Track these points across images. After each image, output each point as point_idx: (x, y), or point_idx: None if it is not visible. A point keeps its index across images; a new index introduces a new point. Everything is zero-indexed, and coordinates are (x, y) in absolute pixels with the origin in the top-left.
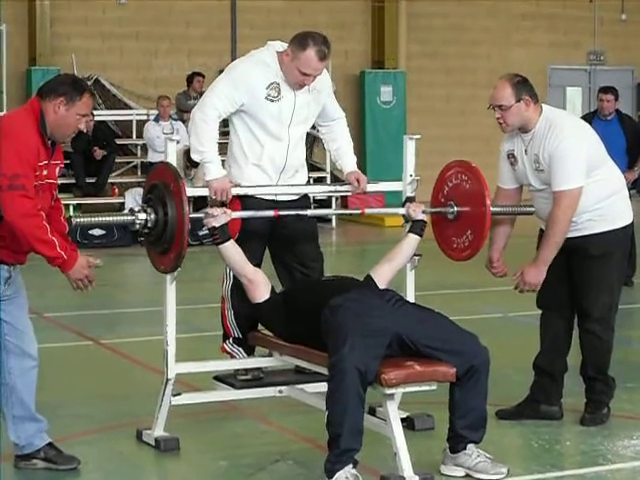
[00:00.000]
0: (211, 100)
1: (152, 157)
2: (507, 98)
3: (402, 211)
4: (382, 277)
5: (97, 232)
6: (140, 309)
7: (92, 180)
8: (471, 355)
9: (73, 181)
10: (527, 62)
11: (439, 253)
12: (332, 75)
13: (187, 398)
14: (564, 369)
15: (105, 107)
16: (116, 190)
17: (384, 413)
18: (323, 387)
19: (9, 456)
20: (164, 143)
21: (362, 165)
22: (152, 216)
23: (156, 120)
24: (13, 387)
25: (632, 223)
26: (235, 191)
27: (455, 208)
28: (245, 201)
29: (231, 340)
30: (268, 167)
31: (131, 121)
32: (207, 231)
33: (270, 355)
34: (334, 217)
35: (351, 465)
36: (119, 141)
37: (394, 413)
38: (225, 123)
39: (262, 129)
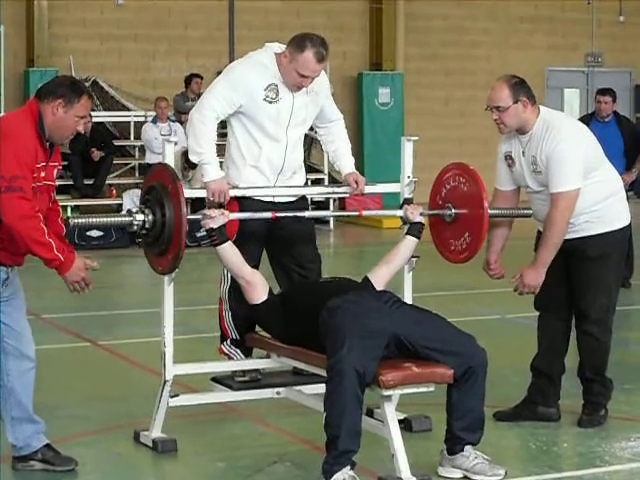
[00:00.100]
0: (209, 102)
1: (150, 158)
2: (505, 99)
3: (400, 213)
4: (380, 279)
5: (95, 233)
6: (138, 310)
7: (90, 181)
8: (469, 356)
9: (71, 182)
10: (526, 64)
11: (437, 255)
12: (330, 77)
13: (185, 399)
14: (562, 371)
15: (103, 108)
16: (114, 191)
17: (382, 414)
18: (321, 389)
19: (7, 457)
20: (162, 144)
21: (360, 167)
22: (150, 217)
23: (154, 122)
24: (11, 389)
25: (630, 225)
26: (233, 192)
27: (453, 210)
28: (243, 203)
29: (229, 342)
30: (266, 169)
31: (129, 122)
32: (205, 232)
33: (268, 357)
34: (332, 219)
35: (349, 467)
36: (117, 142)
37: (392, 414)
38: (223, 125)
39: (260, 131)
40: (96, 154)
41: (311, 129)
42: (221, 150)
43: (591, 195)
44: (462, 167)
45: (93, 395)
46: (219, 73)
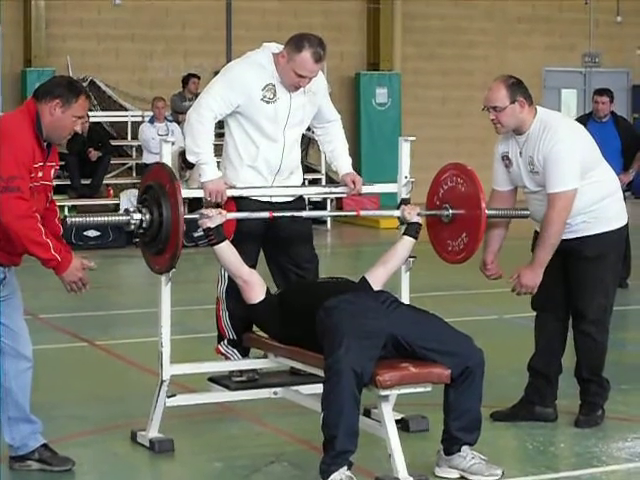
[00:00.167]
0: (207, 101)
1: (147, 158)
2: (502, 99)
3: (397, 213)
4: (377, 279)
5: (92, 233)
6: (135, 310)
7: (87, 181)
8: (466, 357)
9: (68, 182)
10: (523, 64)
11: (434, 255)
12: (327, 77)
13: (182, 399)
14: (559, 371)
15: (100, 108)
16: (111, 191)
17: (379, 415)
18: (318, 389)
19: (4, 457)
20: (159, 144)
21: (357, 167)
22: (147, 216)
23: (151, 121)
24: (8, 388)
25: (627, 225)
26: (230, 192)
27: (450, 211)
28: (240, 203)
29: (226, 341)
30: (263, 169)
31: (126, 122)
32: (202, 232)
33: (265, 356)
34: (329, 219)
35: (346, 467)
36: (114, 142)
37: (389, 415)
38: (220, 125)
39: (258, 131)
40: (93, 154)
41: (308, 129)
42: (218, 150)
43: (588, 195)
44: (460, 167)
45: (90, 395)
46: (216, 73)
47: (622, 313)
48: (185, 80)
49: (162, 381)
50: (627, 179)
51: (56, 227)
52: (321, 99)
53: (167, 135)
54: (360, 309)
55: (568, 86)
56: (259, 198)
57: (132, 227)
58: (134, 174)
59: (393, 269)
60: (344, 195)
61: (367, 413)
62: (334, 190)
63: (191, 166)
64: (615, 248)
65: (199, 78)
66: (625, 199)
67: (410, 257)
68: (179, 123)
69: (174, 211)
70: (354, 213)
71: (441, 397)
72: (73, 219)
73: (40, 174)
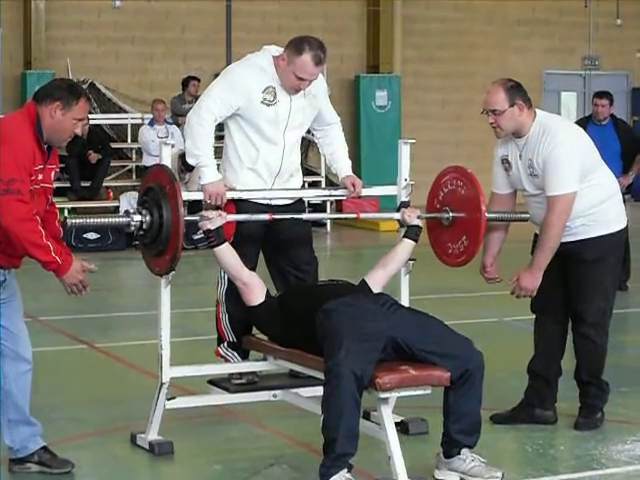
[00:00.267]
0: (207, 104)
1: (147, 161)
2: (500, 103)
3: (397, 216)
4: (376, 282)
5: (92, 236)
6: (134, 313)
7: (87, 184)
8: (466, 359)
9: (68, 185)
10: (523, 67)
11: (434, 257)
12: (327, 79)
13: (181, 402)
14: (558, 373)
15: (100, 111)
16: (111, 194)
17: (378, 417)
18: (318, 391)
19: (4, 460)
20: (159, 147)
21: (357, 169)
22: (147, 218)
23: (151, 124)
24: (8, 391)
25: (626, 228)
26: (230, 195)
27: (450, 214)
28: (240, 205)
29: (225, 344)
30: (263, 171)
31: (126, 125)
32: (202, 234)
33: (264, 359)
34: (329, 221)
35: (346, 469)
36: (114, 145)
37: (388, 417)
38: (220, 127)
39: (258, 133)
40: (93, 156)
41: (308, 132)
42: (218, 152)
43: (587, 198)
44: (460, 170)
45: (90, 397)
46: (216, 76)
47: (622, 316)
48: (185, 82)
49: (162, 383)
50: (627, 182)
51: (56, 229)
52: (321, 102)
53: (167, 138)
54: (360, 312)
55: (568, 89)
56: (259, 201)
57: (132, 229)
58: (134, 177)
59: (393, 272)
60: (344, 198)
61: (367, 416)
62: (334, 193)
63: (191, 168)
64: (614, 251)
65: (199, 80)
66: (625, 202)
67: (410, 260)
68: (179, 125)
69: (174, 212)
70: (354, 216)
71: (441, 400)
72: (73, 220)
73: (40, 177)
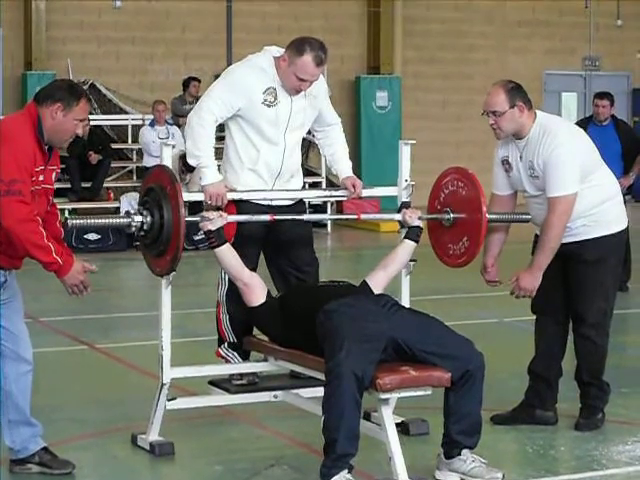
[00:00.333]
0: (208, 104)
1: (147, 162)
2: (501, 104)
3: (398, 217)
4: (377, 283)
5: (92, 237)
6: (135, 314)
7: (87, 185)
8: (466, 360)
9: (68, 186)
10: (523, 68)
11: (434, 258)
12: (328, 80)
13: (182, 403)
14: (559, 374)
15: (101, 112)
16: (111, 195)
17: (379, 418)
18: (318, 392)
19: (4, 460)
20: (159, 148)
21: (357, 170)
22: (148, 218)
23: (152, 125)
24: (8, 391)
25: (627, 228)
26: (230, 196)
27: (451, 215)
28: (240, 206)
29: (226, 345)
30: (264, 172)
31: (127, 126)
32: (203, 235)
33: (265, 360)
34: (329, 222)
35: (346, 470)
36: (114, 146)
37: (389, 418)
38: (221, 128)
39: (258, 134)
40: (94, 157)
41: (309, 132)
42: (219, 153)
43: (588, 199)
44: (461, 171)
45: (90, 398)
46: (217, 76)
47: (622, 316)
48: (185, 83)
49: (162, 384)
50: (627, 182)
51: (57, 230)
52: (322, 102)
53: (167, 138)
54: (360, 312)
55: (568, 90)
56: (259, 201)
57: (133, 229)
58: (134, 177)
59: (394, 273)
60: (344, 198)
61: (367, 416)
62: (334, 193)
63: (191, 169)
64: (615, 252)
65: (199, 81)
66: (625, 203)
67: (411, 261)
68: (179, 126)
69: (175, 213)
70: (355, 216)
71: (441, 400)
72: (74, 221)
73: (41, 178)
